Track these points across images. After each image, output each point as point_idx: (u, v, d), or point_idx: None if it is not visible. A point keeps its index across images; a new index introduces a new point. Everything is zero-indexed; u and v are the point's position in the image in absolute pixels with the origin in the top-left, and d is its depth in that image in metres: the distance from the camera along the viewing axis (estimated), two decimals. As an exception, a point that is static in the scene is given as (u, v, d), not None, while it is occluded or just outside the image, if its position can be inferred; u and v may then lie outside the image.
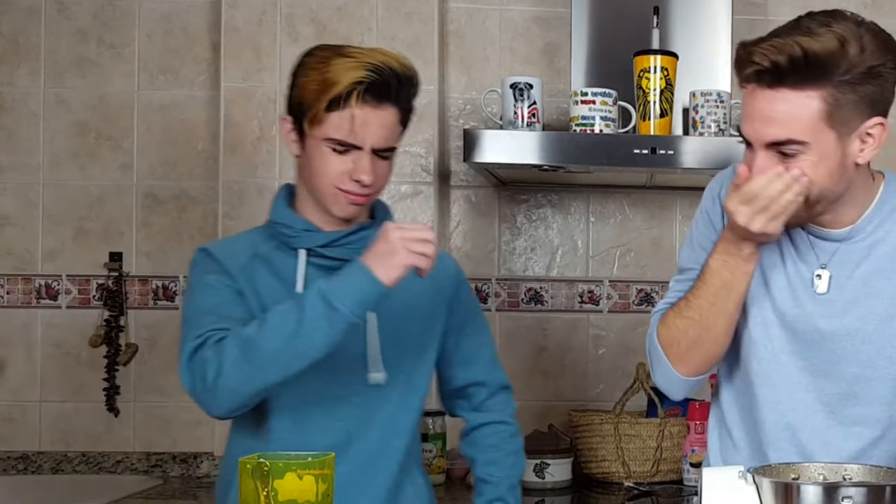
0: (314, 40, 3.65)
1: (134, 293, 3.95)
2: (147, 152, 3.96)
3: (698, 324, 2.29)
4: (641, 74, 3.52)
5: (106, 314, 3.91)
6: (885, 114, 2.15)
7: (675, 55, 3.57)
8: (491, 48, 4.02)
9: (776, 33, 2.10)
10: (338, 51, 2.47)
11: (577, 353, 4.05)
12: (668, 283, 2.49)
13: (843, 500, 1.67)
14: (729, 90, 3.55)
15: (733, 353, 2.38)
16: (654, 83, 3.51)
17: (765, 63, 2.07)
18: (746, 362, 2.35)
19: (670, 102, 3.54)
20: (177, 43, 3.97)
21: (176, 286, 3.95)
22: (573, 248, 4.04)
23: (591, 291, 4.04)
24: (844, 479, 1.88)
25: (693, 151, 3.39)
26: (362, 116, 2.41)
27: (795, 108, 2.07)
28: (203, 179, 3.94)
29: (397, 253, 2.27)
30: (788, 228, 2.26)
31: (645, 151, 3.39)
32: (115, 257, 3.93)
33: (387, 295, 2.32)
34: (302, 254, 2.51)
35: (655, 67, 3.52)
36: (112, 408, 3.91)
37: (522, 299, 4.04)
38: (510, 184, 3.97)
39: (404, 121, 2.52)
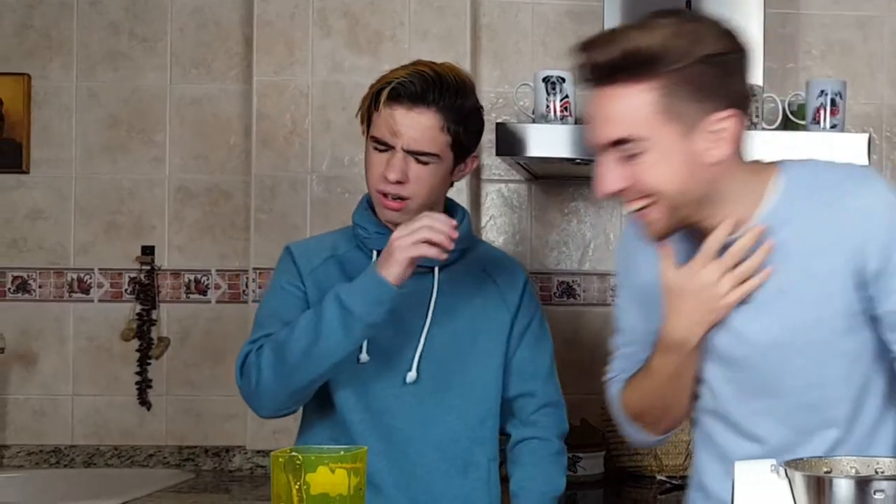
0: (346, 34, 3.67)
1: (166, 287, 3.96)
2: (179, 146, 3.97)
3: (660, 404, 2.30)
4: (674, 68, 3.50)
5: (138, 308, 3.92)
6: (737, 106, 2.03)
7: (707, 49, 3.54)
8: (523, 42, 4.01)
9: (609, 30, 2.09)
10: (413, 62, 2.57)
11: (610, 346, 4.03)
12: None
13: (875, 494, 1.66)
14: (761, 84, 3.52)
15: None
16: (687, 76, 3.49)
17: (594, 61, 2.02)
18: (696, 413, 2.33)
19: (702, 96, 3.52)
20: (209, 37, 3.97)
21: (208, 280, 3.96)
22: (605, 242, 4.03)
23: (623, 285, 4.02)
24: (877, 472, 1.87)
25: (725, 145, 3.37)
26: (394, 116, 2.46)
27: (631, 103, 1.99)
28: (235, 173, 3.95)
29: (394, 251, 2.35)
30: (668, 236, 2.12)
31: (677, 145, 3.38)
32: (147, 251, 3.94)
33: (398, 294, 2.37)
34: (374, 255, 2.56)
35: (688, 61, 3.50)
36: (144, 401, 3.92)
37: (555, 293, 4.03)
38: (542, 177, 3.96)
39: (451, 129, 2.52)
